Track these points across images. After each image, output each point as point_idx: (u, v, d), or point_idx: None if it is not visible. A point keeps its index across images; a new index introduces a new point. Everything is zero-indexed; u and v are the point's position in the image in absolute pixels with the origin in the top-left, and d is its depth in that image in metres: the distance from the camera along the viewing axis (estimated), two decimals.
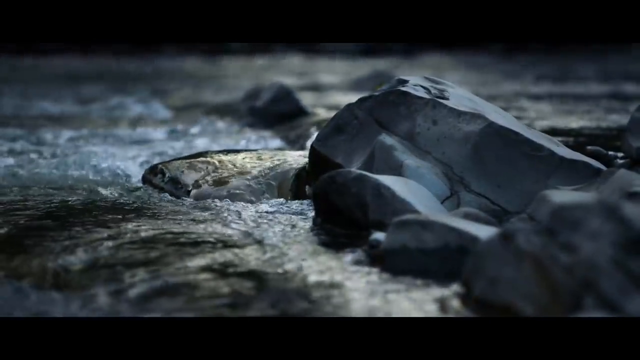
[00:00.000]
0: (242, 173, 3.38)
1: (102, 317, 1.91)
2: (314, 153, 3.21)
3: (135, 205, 3.19)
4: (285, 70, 12.10)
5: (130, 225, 2.80)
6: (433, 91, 3.13)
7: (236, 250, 2.50)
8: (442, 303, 1.99)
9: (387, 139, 3.01)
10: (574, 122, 5.62)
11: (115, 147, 4.53)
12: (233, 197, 3.21)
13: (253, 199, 3.19)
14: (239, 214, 2.99)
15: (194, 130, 5.86)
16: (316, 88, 8.98)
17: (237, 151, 3.82)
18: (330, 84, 9.71)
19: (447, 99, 3.09)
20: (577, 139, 4.54)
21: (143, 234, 2.67)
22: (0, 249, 2.56)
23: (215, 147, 4.83)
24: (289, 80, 8.44)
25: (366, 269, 2.30)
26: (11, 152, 4.71)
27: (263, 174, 3.36)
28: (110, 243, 2.56)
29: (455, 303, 1.99)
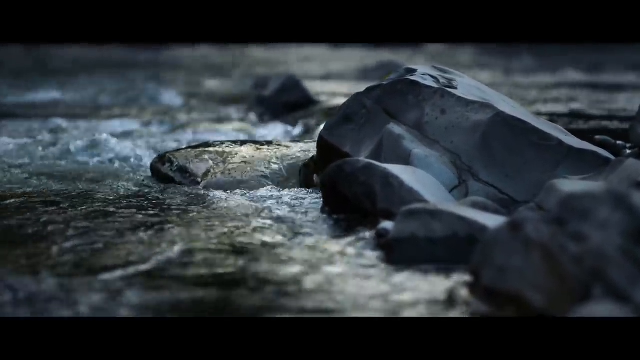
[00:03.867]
0: (249, 162, 3.39)
1: (102, 317, 1.90)
2: (322, 142, 3.21)
3: (143, 193, 3.20)
4: (292, 60, 12.09)
5: (136, 214, 2.81)
6: (441, 80, 3.13)
7: (243, 239, 2.50)
8: (450, 292, 1.99)
9: (396, 128, 3.01)
10: (583, 112, 5.60)
11: (123, 136, 4.53)
12: (240, 186, 3.22)
13: (260, 188, 3.20)
14: (246, 203, 3.00)
15: (202, 119, 5.86)
16: (324, 77, 8.97)
17: (245, 141, 3.83)
18: (338, 73, 9.69)
19: (455, 88, 3.08)
20: (585, 128, 4.53)
21: (149, 222, 2.68)
22: (5, 238, 2.57)
23: (223, 137, 4.84)
24: (296, 70, 8.43)
25: (374, 258, 2.30)
26: (20, 141, 4.72)
27: (271, 163, 3.37)
28: (115, 230, 2.57)
29: (464, 292, 1.99)
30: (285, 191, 3.17)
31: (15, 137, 4.86)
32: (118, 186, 3.39)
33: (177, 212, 2.86)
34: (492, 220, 2.29)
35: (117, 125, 5.51)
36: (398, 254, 2.31)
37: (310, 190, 3.17)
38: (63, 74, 9.56)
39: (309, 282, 2.11)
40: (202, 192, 3.22)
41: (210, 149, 3.59)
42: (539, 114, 3.95)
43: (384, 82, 3.16)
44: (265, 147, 3.58)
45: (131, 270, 2.20)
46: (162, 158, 3.60)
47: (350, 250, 2.38)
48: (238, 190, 3.18)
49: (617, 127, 4.63)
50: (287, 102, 5.96)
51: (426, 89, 3.07)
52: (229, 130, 5.31)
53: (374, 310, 1.91)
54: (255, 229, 2.62)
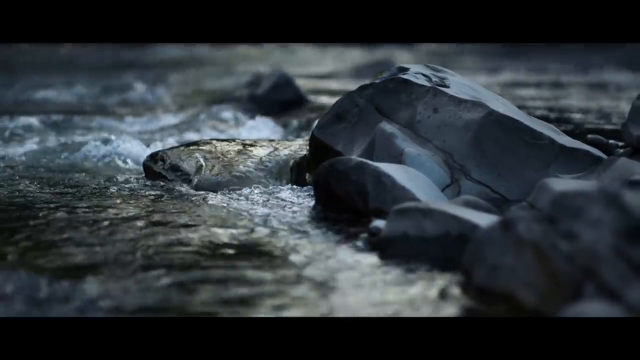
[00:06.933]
0: (241, 160, 3.38)
1: (101, 317, 1.89)
2: (314, 141, 3.21)
3: (135, 192, 3.19)
4: (285, 58, 12.09)
5: (127, 213, 2.80)
6: (434, 79, 3.13)
7: (234, 238, 2.50)
8: (442, 291, 1.99)
9: (388, 127, 3.01)
10: (575, 110, 5.61)
11: (115, 134, 4.52)
12: (233, 184, 3.21)
13: (252, 186, 3.19)
14: (238, 201, 2.99)
15: (195, 117, 5.85)
16: (316, 76, 8.96)
17: (237, 139, 3.82)
18: (330, 71, 9.69)
19: (447, 87, 3.08)
20: (578, 127, 4.54)
21: (139, 221, 2.67)
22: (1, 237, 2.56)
23: (216, 135, 4.83)
24: (289, 68, 8.42)
25: (366, 256, 2.30)
26: (14, 139, 4.71)
27: (263, 161, 3.36)
28: (104, 229, 2.56)
29: (456, 291, 1.98)
30: (277, 189, 3.16)
31: (10, 134, 4.85)
32: (110, 184, 3.38)
33: (168, 210, 2.85)
34: (484, 219, 2.29)
35: (108, 123, 5.50)
36: (390, 252, 2.31)
37: (302, 188, 3.17)
38: (50, 73, 9.53)
39: (300, 281, 2.11)
40: (193, 190, 3.22)
41: (202, 147, 3.58)
42: (531, 113, 3.96)
43: (377, 81, 3.16)
44: (258, 145, 3.57)
45: (119, 270, 2.19)
46: (155, 156, 3.59)
47: (342, 249, 2.37)
48: (229, 188, 3.18)
49: (609, 126, 4.63)
50: (279, 100, 5.96)
51: (419, 87, 3.07)
52: (221, 128, 5.30)
53: (365, 309, 1.90)
54: (246, 228, 2.61)
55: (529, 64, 10.88)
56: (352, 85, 3.48)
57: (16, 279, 2.09)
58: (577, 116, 5.27)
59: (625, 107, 5.34)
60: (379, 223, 2.43)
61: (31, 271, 2.16)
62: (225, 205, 2.93)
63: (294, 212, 2.82)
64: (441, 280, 2.06)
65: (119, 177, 3.55)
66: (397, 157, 2.90)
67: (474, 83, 3.27)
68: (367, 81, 3.26)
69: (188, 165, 3.43)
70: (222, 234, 2.53)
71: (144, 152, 4.07)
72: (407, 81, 3.10)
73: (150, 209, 2.87)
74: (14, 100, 7.10)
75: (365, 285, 2.05)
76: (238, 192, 3.14)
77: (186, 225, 2.62)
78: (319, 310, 1.91)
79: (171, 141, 4.62)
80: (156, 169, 3.51)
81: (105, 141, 4.26)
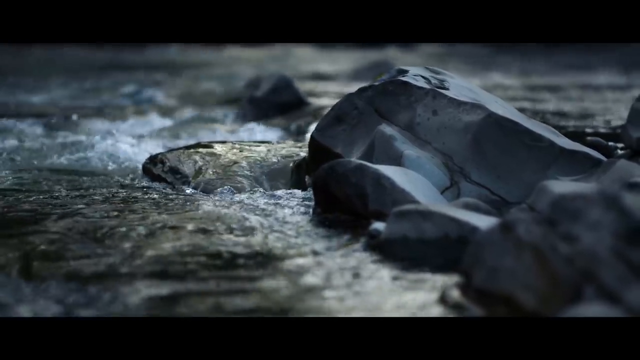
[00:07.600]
0: (240, 163, 3.38)
1: (100, 317, 1.90)
2: (313, 143, 3.21)
3: (133, 195, 3.19)
4: (285, 60, 12.09)
5: (125, 216, 2.80)
6: (433, 81, 3.13)
7: (233, 241, 2.50)
8: (442, 293, 1.99)
9: (387, 129, 3.01)
10: (574, 113, 5.61)
11: (114, 136, 4.52)
12: (232, 187, 3.21)
13: (252, 189, 3.19)
14: (238, 203, 2.99)
15: (193, 120, 5.85)
16: (316, 78, 8.97)
17: (236, 141, 3.82)
18: (329, 74, 9.69)
19: (447, 89, 3.08)
20: (577, 129, 4.54)
21: (137, 224, 2.67)
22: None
23: (215, 138, 4.83)
24: (288, 70, 8.43)
25: (366, 259, 2.30)
26: (13, 141, 4.70)
27: (263, 164, 3.36)
28: (110, 235, 2.56)
29: (455, 293, 1.98)
30: (277, 192, 3.16)
31: (7, 137, 4.85)
32: (109, 187, 3.38)
33: (167, 213, 2.85)
34: (483, 221, 2.29)
35: (104, 125, 5.49)
36: (389, 254, 2.31)
37: (301, 191, 3.17)
38: (44, 74, 9.53)
39: (300, 284, 2.11)
40: (193, 193, 3.22)
41: (202, 149, 3.59)
42: (530, 115, 3.96)
43: (376, 83, 3.16)
44: (257, 147, 3.57)
45: (120, 278, 2.19)
46: (154, 159, 3.60)
47: (342, 251, 2.37)
48: (228, 191, 3.18)
49: (608, 128, 4.64)
50: (279, 102, 5.96)
51: (418, 90, 3.07)
52: (221, 131, 5.30)
53: (364, 311, 1.90)
54: (245, 231, 2.61)
55: (527, 64, 10.89)
56: (351, 87, 3.49)
57: (16, 286, 2.09)
58: (575, 118, 5.27)
59: (624, 109, 5.35)
60: (378, 225, 2.43)
61: (32, 278, 2.16)
62: (224, 208, 2.93)
63: (293, 215, 2.82)
64: (441, 283, 2.06)
65: (117, 180, 3.55)
66: (397, 160, 2.90)
67: (473, 85, 3.27)
68: (366, 83, 3.26)
69: (187, 168, 3.43)
70: (222, 238, 2.53)
71: (141, 155, 4.07)
72: (406, 83, 3.10)
73: (151, 213, 2.87)
74: (6, 102, 7.08)
75: (364, 288, 2.05)
76: (237, 194, 3.14)
77: (186, 230, 2.62)
78: (318, 312, 1.91)
79: (170, 143, 4.62)
80: (155, 171, 3.51)
81: (102, 143, 4.26)
